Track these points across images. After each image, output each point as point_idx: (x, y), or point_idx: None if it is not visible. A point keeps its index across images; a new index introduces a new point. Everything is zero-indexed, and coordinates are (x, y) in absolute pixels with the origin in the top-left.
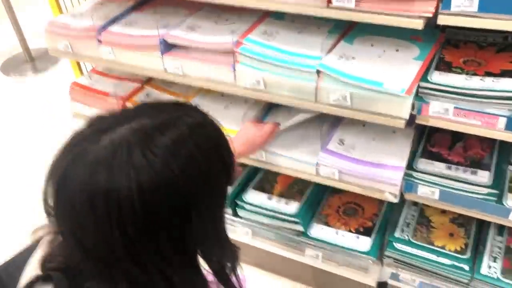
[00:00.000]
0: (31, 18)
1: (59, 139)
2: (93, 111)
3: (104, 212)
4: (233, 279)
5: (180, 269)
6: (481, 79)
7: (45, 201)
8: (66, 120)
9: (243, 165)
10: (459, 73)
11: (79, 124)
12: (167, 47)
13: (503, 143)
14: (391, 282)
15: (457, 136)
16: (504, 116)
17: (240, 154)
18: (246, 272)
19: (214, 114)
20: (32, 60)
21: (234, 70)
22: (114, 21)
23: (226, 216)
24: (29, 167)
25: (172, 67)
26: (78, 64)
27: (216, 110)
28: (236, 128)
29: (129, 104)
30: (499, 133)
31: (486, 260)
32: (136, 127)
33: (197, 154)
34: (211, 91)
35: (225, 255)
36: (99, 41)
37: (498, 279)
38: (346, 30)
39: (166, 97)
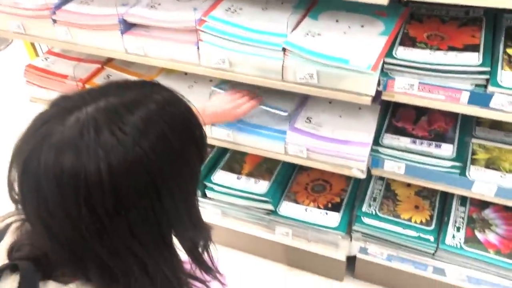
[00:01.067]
0: None
1: (15, 124)
2: (51, 95)
3: (72, 194)
4: (206, 257)
5: (154, 251)
6: (444, 54)
7: (10, 187)
8: (23, 104)
9: (211, 146)
10: (423, 48)
11: (36, 108)
12: (127, 26)
13: (465, 116)
14: (360, 256)
15: (421, 111)
16: (467, 90)
17: (207, 123)
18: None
19: None
20: None
21: (198, 49)
22: None
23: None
24: None
25: (133, 47)
26: (33, 45)
27: (180, 90)
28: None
29: (89, 87)
30: (462, 107)
31: (450, 231)
32: (103, 105)
33: (167, 132)
34: (174, 70)
35: (198, 234)
36: (54, 21)
37: (461, 248)
38: (310, 6)
39: (127, 77)
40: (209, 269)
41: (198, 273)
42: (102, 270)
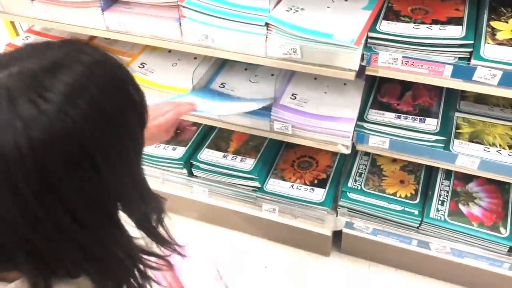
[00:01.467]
0: None
1: None
2: None
3: None
4: (161, 230)
5: (99, 231)
6: (428, 27)
7: None
8: None
9: (197, 124)
10: (407, 22)
11: None
12: (108, 3)
13: (450, 91)
14: (346, 230)
15: (406, 86)
16: (450, 64)
17: None
18: (204, 230)
19: (162, 72)
20: None
21: (180, 25)
22: None
23: (182, 176)
24: None
25: (114, 25)
26: (13, 23)
27: (164, 68)
28: (185, 86)
29: None
30: (446, 81)
31: (434, 204)
32: (17, 71)
33: (98, 96)
34: (157, 48)
35: (149, 207)
36: None
37: (445, 221)
38: None
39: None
40: (166, 242)
41: (155, 248)
42: (38, 261)
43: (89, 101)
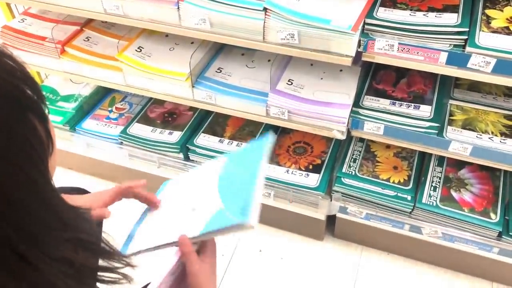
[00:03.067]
0: None
1: None
2: (29, 58)
3: None
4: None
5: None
6: (424, 15)
7: None
8: None
9: (193, 109)
10: (404, 9)
11: None
12: None
13: (444, 78)
14: (339, 215)
15: (401, 74)
16: (445, 51)
17: None
18: None
19: (159, 57)
20: None
21: (178, 8)
22: None
23: (178, 160)
24: None
25: (111, 7)
26: (8, 5)
27: (161, 52)
28: (182, 70)
29: (69, 49)
30: (441, 68)
31: (426, 190)
32: None
33: None
34: (155, 32)
35: (76, 228)
36: None
37: (437, 206)
38: None
39: (107, 39)
40: (111, 256)
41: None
42: None
43: None
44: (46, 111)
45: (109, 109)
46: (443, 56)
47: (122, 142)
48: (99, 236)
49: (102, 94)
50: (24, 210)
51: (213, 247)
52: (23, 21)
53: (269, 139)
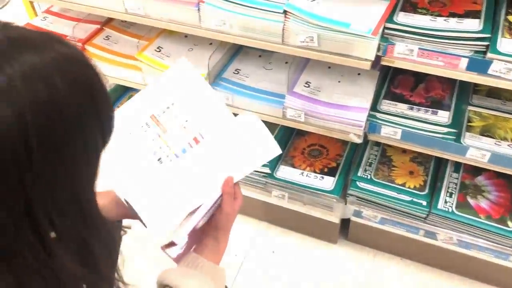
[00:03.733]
0: None
1: None
2: None
3: None
4: (107, 265)
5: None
6: (445, 20)
7: None
8: None
9: None
10: (424, 14)
11: None
12: None
13: (463, 83)
14: (354, 219)
15: (419, 78)
16: (466, 57)
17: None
18: None
19: (178, 57)
20: None
21: (199, 10)
22: None
23: None
24: None
25: (133, 7)
26: (31, 3)
27: (180, 53)
28: (201, 71)
29: (89, 48)
30: (461, 74)
31: (442, 196)
32: None
33: (62, 89)
34: (174, 32)
35: (92, 233)
36: None
37: (452, 212)
38: None
39: (126, 39)
40: (107, 280)
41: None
42: None
43: (49, 88)
44: (109, 127)
45: None
46: (464, 62)
47: None
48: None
49: (120, 93)
50: (53, 179)
51: (241, 196)
52: (45, 19)
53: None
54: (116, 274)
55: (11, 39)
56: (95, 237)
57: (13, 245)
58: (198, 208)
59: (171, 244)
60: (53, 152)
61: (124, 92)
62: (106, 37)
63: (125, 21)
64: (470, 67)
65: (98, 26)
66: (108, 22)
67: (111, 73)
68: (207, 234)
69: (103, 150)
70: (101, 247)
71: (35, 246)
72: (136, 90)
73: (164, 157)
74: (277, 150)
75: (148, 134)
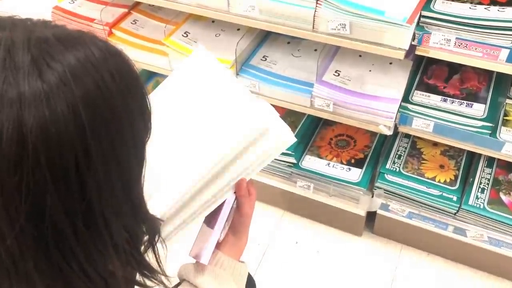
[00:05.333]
0: None
1: None
2: None
3: None
4: (150, 256)
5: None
6: (486, 8)
7: None
8: None
9: None
10: (463, 1)
11: None
12: None
13: (500, 75)
14: (380, 212)
15: (454, 68)
16: (507, 47)
17: None
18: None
19: (205, 43)
20: None
21: None
22: None
23: None
24: None
25: None
26: None
27: (207, 38)
28: (228, 57)
29: (116, 31)
30: (500, 65)
31: (474, 191)
32: (30, 28)
33: (110, 82)
34: (201, 17)
35: (139, 225)
36: None
37: (484, 209)
38: None
39: (154, 23)
40: (151, 272)
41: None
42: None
43: (97, 83)
44: (150, 124)
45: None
46: (504, 53)
47: None
48: (155, 247)
49: (145, 77)
50: (108, 175)
51: (255, 190)
52: (73, 2)
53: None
54: (159, 268)
55: (57, 37)
56: (141, 227)
57: (72, 247)
58: (216, 221)
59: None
60: (108, 147)
61: (149, 76)
62: (134, 21)
63: (153, 5)
64: (511, 59)
65: (126, 10)
66: (135, 6)
67: (138, 57)
68: (228, 230)
69: (147, 141)
70: (147, 237)
71: (89, 247)
72: (162, 75)
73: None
74: (291, 138)
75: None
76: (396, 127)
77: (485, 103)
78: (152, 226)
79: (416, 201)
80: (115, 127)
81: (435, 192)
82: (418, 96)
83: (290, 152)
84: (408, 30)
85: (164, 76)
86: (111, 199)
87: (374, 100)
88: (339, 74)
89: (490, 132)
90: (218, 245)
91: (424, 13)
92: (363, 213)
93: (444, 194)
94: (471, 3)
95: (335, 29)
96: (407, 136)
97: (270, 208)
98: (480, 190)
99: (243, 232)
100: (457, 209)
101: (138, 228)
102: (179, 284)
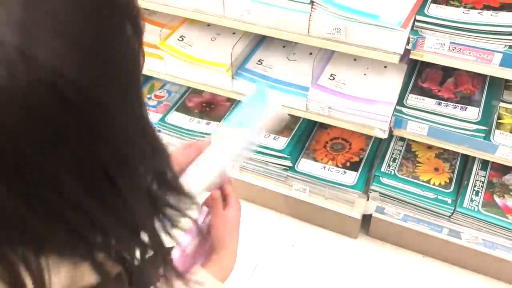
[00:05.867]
0: None
1: None
2: None
3: None
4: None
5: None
6: (479, 13)
7: None
8: None
9: (231, 100)
10: (457, 6)
11: None
12: None
13: (494, 79)
14: (376, 215)
15: (448, 72)
16: (499, 52)
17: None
18: None
19: (201, 46)
20: None
21: None
22: None
23: None
24: None
25: None
26: None
27: (203, 42)
28: (224, 61)
29: None
30: (494, 70)
31: (468, 194)
32: None
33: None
34: (197, 21)
35: (161, 158)
36: None
37: (478, 211)
38: None
39: (149, 27)
40: (190, 197)
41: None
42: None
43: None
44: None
45: (148, 96)
46: (497, 57)
47: (160, 130)
48: (175, 173)
49: (141, 81)
50: (122, 132)
51: (236, 201)
52: None
53: (262, 87)
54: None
55: None
56: (162, 158)
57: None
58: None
59: None
60: (106, 81)
61: (145, 80)
62: None
63: (148, 9)
64: (504, 63)
65: None
66: None
67: None
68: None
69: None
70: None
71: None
72: (156, 79)
73: None
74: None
75: None
76: (391, 131)
77: (479, 107)
78: (166, 152)
79: (411, 204)
80: (113, 53)
81: (430, 195)
82: (413, 99)
83: (285, 156)
84: (402, 35)
85: (159, 80)
86: (129, 144)
87: (369, 104)
88: (334, 78)
89: (484, 135)
90: (205, 263)
91: (418, 17)
92: (358, 216)
93: (438, 197)
94: (464, 7)
95: (330, 33)
96: (402, 139)
97: (266, 211)
98: (474, 192)
99: (220, 250)
100: (452, 211)
101: (160, 159)
102: None
